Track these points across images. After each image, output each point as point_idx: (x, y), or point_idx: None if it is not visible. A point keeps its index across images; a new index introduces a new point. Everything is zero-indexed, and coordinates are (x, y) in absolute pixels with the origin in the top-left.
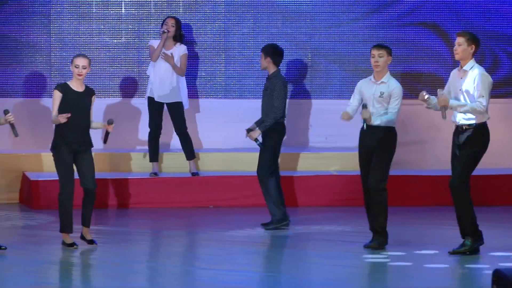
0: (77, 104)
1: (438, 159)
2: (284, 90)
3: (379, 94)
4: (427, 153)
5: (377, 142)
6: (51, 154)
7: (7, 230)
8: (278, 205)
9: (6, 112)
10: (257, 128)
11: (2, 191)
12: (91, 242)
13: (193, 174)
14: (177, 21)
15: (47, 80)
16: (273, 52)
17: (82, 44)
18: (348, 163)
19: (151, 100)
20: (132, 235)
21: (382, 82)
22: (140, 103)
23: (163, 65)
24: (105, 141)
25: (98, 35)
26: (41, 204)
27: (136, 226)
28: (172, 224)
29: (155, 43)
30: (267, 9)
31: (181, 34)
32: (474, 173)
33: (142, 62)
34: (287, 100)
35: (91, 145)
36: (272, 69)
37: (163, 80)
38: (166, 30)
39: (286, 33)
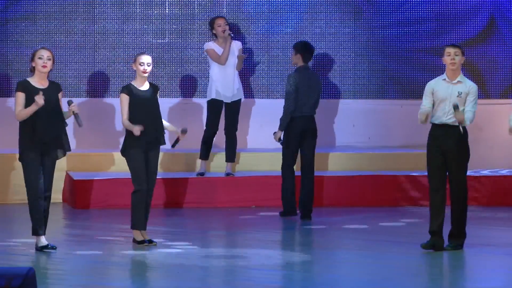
0: (143, 103)
1: (481, 160)
2: (292, 85)
3: (457, 94)
4: (472, 154)
5: (456, 141)
6: (121, 154)
7: (52, 230)
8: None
9: (69, 102)
10: (278, 129)
11: None
12: (150, 241)
13: (228, 174)
14: (226, 20)
15: (90, 80)
16: (304, 49)
17: (125, 44)
18: (391, 163)
19: (215, 102)
20: (178, 234)
21: (458, 81)
22: (184, 103)
23: (227, 66)
24: (173, 146)
25: (141, 35)
26: (84, 203)
27: (176, 226)
28: (218, 224)
29: (213, 45)
30: (311, 9)
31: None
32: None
33: (185, 61)
34: (324, 99)
35: (161, 143)
36: (299, 64)
37: (229, 80)
38: (230, 34)
39: (329, 33)
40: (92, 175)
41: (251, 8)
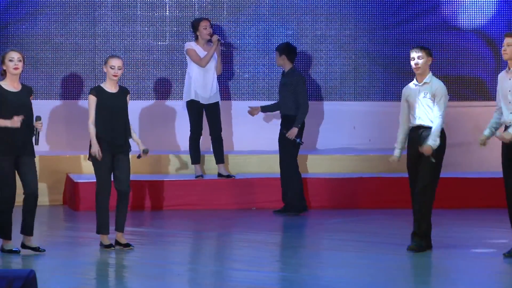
0: (112, 106)
1: (482, 161)
2: (304, 85)
3: (423, 95)
4: (472, 155)
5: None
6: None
7: (51, 232)
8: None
9: (38, 118)
10: (294, 127)
11: (45, 193)
12: (127, 245)
13: (228, 176)
14: (210, 22)
15: (92, 82)
16: (288, 50)
17: (126, 46)
18: (392, 165)
19: (194, 103)
20: (169, 236)
21: (425, 83)
22: (184, 105)
23: (207, 68)
24: (138, 157)
25: (142, 37)
26: (85, 205)
27: (174, 228)
28: (210, 226)
29: (194, 46)
30: (311, 11)
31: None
32: None
33: (186, 64)
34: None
35: (129, 147)
36: (288, 66)
37: (208, 82)
38: (220, 39)
39: (330, 36)
40: (92, 177)
41: (252, 10)
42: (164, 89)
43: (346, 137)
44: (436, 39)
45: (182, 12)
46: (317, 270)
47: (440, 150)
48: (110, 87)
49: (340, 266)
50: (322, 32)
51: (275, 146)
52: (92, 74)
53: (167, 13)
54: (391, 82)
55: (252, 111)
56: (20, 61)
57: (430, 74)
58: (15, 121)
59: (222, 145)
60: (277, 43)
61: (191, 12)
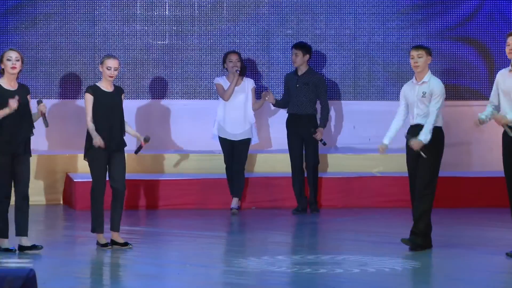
0: (108, 104)
1: (482, 161)
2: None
3: (421, 95)
4: (471, 155)
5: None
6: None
7: (49, 231)
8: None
9: (39, 102)
10: (319, 127)
11: (45, 192)
12: (125, 244)
13: (231, 209)
14: (240, 55)
15: (91, 81)
16: (310, 50)
17: (125, 46)
18: (392, 164)
19: (220, 138)
20: (166, 235)
21: (423, 82)
22: (183, 104)
23: (234, 103)
24: (136, 152)
25: (142, 37)
26: (84, 205)
27: (183, 227)
28: (219, 226)
29: (221, 81)
30: (311, 10)
31: (245, 67)
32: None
33: (186, 63)
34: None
35: (124, 145)
36: (306, 65)
37: (236, 119)
38: (237, 70)
39: (329, 35)
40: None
41: (251, 10)
42: (162, 88)
43: (345, 136)
44: (435, 39)
45: (181, 12)
46: (318, 270)
47: (439, 149)
48: (106, 86)
49: (341, 266)
50: (322, 32)
51: (275, 146)
52: (91, 74)
53: (166, 12)
54: (391, 82)
55: (270, 96)
56: (18, 60)
57: (429, 73)
58: (11, 104)
59: (242, 180)
60: (277, 43)
61: (190, 11)
